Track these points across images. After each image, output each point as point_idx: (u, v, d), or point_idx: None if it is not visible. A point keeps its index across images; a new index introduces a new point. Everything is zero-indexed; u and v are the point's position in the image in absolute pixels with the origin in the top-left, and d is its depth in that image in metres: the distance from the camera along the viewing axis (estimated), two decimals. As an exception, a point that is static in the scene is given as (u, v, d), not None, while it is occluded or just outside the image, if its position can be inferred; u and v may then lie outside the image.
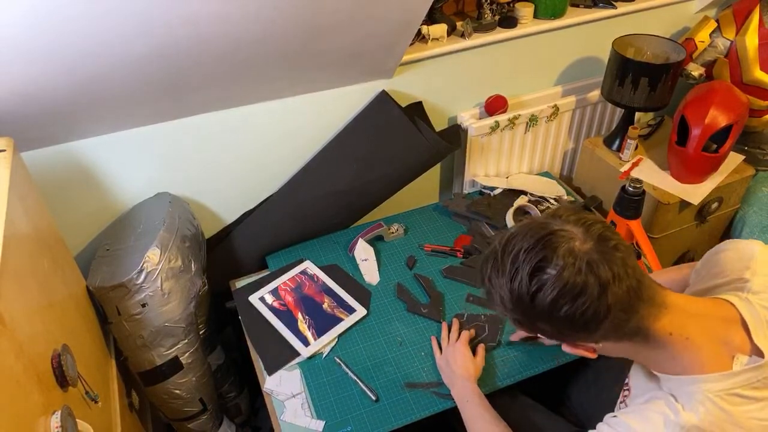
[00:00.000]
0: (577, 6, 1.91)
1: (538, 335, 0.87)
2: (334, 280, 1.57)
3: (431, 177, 2.08)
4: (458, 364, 1.27)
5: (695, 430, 0.76)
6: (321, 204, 1.69)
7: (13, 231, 0.96)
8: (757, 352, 0.79)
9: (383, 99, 1.71)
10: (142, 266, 1.37)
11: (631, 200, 1.49)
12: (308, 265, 1.62)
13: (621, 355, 0.87)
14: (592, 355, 0.88)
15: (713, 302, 0.86)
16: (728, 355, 0.80)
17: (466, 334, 1.35)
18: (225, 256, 1.75)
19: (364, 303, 1.50)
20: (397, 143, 1.65)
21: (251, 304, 1.51)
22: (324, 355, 1.39)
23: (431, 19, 1.74)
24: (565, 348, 0.89)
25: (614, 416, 0.84)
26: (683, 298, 0.84)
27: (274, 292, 1.54)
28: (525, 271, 0.77)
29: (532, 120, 1.92)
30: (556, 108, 1.93)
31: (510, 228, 0.84)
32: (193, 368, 1.52)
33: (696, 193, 1.83)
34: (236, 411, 1.81)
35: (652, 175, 1.88)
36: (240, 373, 1.82)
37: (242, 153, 1.69)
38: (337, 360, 1.38)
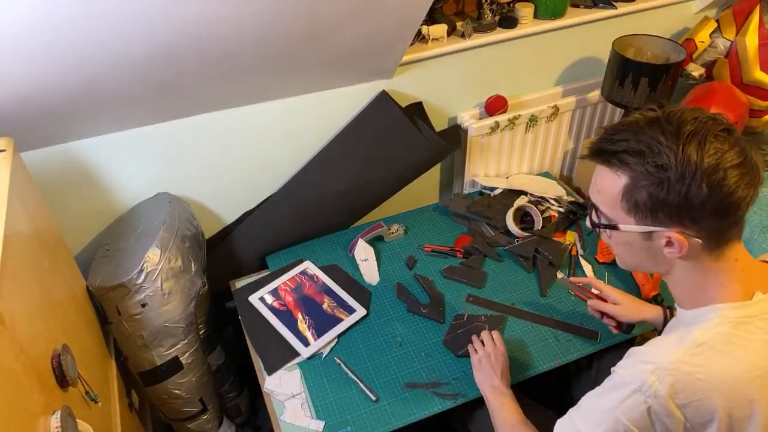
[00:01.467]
0: (577, 6, 1.91)
1: (620, 225, 0.85)
2: (334, 281, 1.57)
3: (431, 177, 2.08)
4: (501, 367, 1.26)
5: (703, 346, 0.79)
6: (321, 204, 1.69)
7: (13, 231, 0.96)
8: None
9: (383, 99, 1.71)
10: (142, 266, 1.37)
11: (631, 200, 1.49)
12: (308, 266, 1.62)
13: (662, 270, 0.88)
14: (662, 267, 0.87)
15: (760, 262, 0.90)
16: (752, 292, 0.83)
17: (500, 339, 1.33)
18: (225, 256, 1.75)
19: (364, 303, 1.50)
20: (397, 143, 1.65)
21: (251, 304, 1.51)
22: (324, 356, 1.39)
23: (431, 19, 1.74)
24: (633, 254, 0.88)
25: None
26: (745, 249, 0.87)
27: (274, 292, 1.54)
28: (710, 135, 0.76)
29: (532, 120, 1.92)
30: (556, 108, 1.93)
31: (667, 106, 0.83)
32: (193, 368, 1.52)
33: (696, 193, 1.83)
34: (236, 411, 1.81)
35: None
36: (240, 373, 1.82)
37: (242, 153, 1.69)
38: (337, 360, 1.38)
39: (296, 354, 1.39)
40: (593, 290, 1.38)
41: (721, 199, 0.76)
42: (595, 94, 1.98)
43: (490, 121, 1.86)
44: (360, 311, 1.48)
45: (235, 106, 1.59)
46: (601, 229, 0.89)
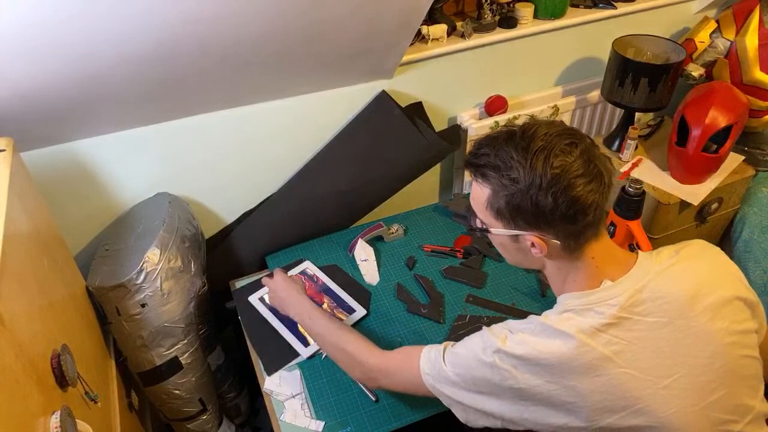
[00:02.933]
0: (577, 6, 1.91)
1: (491, 229, 0.95)
2: (334, 281, 1.57)
3: (431, 177, 2.08)
4: (281, 288, 1.33)
5: (543, 326, 0.89)
6: (321, 204, 1.69)
7: (13, 231, 0.96)
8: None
9: (383, 99, 1.71)
10: (141, 266, 1.37)
11: (631, 201, 1.49)
12: (308, 266, 1.61)
13: (537, 266, 0.99)
14: (535, 264, 0.98)
15: (626, 253, 0.97)
16: (601, 281, 0.92)
17: (277, 269, 1.40)
18: (225, 256, 1.74)
19: (364, 303, 1.50)
20: (397, 143, 1.65)
21: (251, 305, 1.51)
22: (324, 356, 1.39)
23: (431, 19, 1.74)
24: (510, 254, 0.99)
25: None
26: (611, 242, 0.95)
27: (274, 293, 1.54)
28: (556, 149, 0.85)
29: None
30: (556, 108, 1.93)
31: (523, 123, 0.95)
32: (192, 368, 1.52)
33: (696, 193, 1.83)
34: (236, 411, 1.81)
35: (652, 176, 1.88)
36: (240, 374, 1.82)
37: (242, 153, 1.69)
38: (337, 360, 1.38)
39: (296, 354, 1.39)
40: None
41: (568, 206, 0.85)
42: (595, 94, 1.98)
43: (490, 121, 1.86)
44: (360, 311, 1.48)
45: (235, 106, 1.59)
46: (478, 233, 0.98)
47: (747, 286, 0.96)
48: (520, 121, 1.87)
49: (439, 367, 0.99)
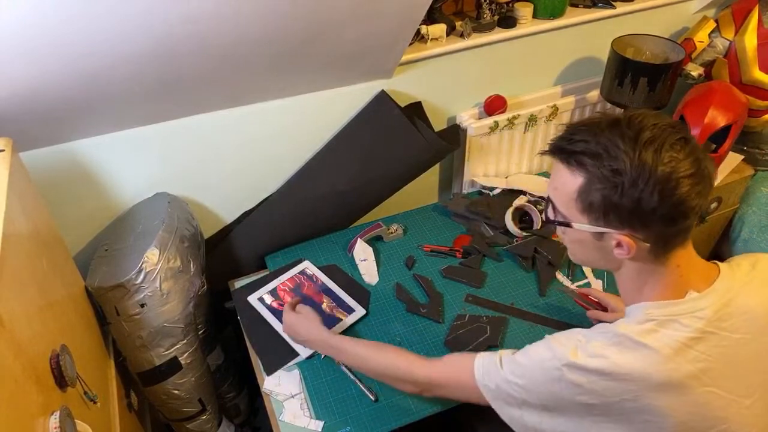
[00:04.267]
0: (576, 6, 1.91)
1: (573, 223, 0.87)
2: (334, 281, 1.56)
3: (431, 177, 2.08)
4: (300, 327, 1.28)
5: (622, 336, 0.82)
6: (320, 204, 1.69)
7: (12, 231, 0.96)
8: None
9: (382, 99, 1.71)
10: (140, 266, 1.37)
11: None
12: (307, 266, 1.61)
13: (611, 267, 0.91)
14: (611, 265, 0.91)
15: (706, 263, 0.91)
16: (685, 291, 0.86)
17: (288, 301, 1.36)
18: (224, 256, 1.74)
19: (364, 303, 1.50)
20: (396, 143, 1.65)
21: (250, 305, 1.51)
22: (323, 356, 1.39)
23: (430, 18, 1.74)
24: (585, 251, 0.91)
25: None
26: (694, 251, 0.89)
27: (273, 293, 1.54)
28: (667, 143, 0.78)
29: (532, 120, 1.92)
30: (556, 108, 1.93)
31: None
32: (192, 368, 1.52)
33: (695, 193, 1.83)
34: (235, 411, 1.81)
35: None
36: (239, 374, 1.81)
37: (241, 153, 1.69)
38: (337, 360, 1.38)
39: (295, 354, 1.39)
40: (592, 297, 1.39)
41: (672, 207, 0.78)
42: (594, 94, 1.98)
43: (489, 120, 1.86)
44: (359, 311, 1.48)
45: (235, 106, 1.59)
46: (556, 225, 0.91)
47: None
48: (520, 121, 1.88)
49: (498, 377, 0.92)
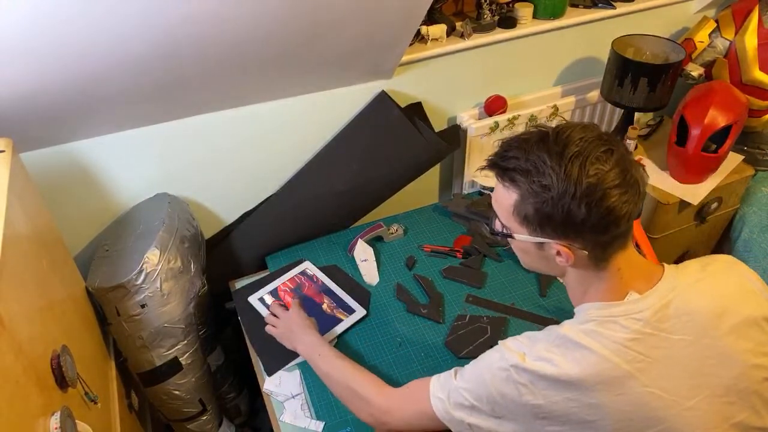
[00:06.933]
0: (577, 6, 1.91)
1: (514, 234, 0.90)
2: (334, 281, 1.56)
3: (431, 177, 2.08)
4: (295, 323, 1.31)
5: (564, 338, 0.85)
6: (321, 204, 1.69)
7: (12, 231, 0.96)
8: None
9: (383, 99, 1.71)
10: (141, 267, 1.37)
11: (631, 200, 1.49)
12: (308, 266, 1.61)
13: (557, 273, 0.94)
14: (556, 272, 0.93)
15: (651, 264, 0.93)
16: (626, 292, 0.88)
17: (294, 301, 1.38)
18: (224, 256, 1.74)
19: (364, 303, 1.50)
20: (396, 144, 1.65)
21: (251, 305, 1.51)
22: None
23: (431, 19, 1.74)
24: (531, 260, 0.94)
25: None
26: (637, 253, 0.92)
27: (274, 293, 1.54)
28: (592, 156, 0.81)
29: (532, 120, 1.92)
30: (556, 108, 1.94)
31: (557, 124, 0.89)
32: (192, 369, 1.52)
33: (695, 193, 1.83)
34: (236, 412, 1.81)
35: (651, 175, 1.88)
36: (240, 374, 1.81)
37: (241, 153, 1.69)
38: (337, 360, 1.37)
39: (296, 354, 1.38)
40: None
41: (601, 217, 0.81)
42: (595, 94, 1.98)
43: (489, 121, 1.86)
44: (359, 311, 1.48)
45: (235, 107, 1.59)
46: (500, 237, 0.94)
47: None
48: (520, 121, 1.88)
49: (449, 386, 0.94)
